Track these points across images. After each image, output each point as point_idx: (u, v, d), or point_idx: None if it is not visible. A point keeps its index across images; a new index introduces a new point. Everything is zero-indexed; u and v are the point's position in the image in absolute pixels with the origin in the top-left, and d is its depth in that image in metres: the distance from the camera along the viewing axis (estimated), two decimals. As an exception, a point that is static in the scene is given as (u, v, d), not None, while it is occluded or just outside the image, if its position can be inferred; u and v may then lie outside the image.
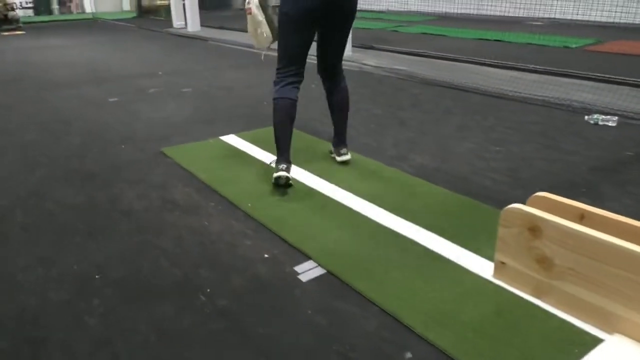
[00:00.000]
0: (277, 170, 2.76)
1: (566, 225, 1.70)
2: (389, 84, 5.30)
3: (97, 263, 2.18)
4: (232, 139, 3.69)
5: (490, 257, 2.10)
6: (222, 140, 3.69)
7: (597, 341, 1.63)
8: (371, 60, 6.49)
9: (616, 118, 3.78)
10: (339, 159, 3.13)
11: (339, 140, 3.14)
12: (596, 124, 3.80)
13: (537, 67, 5.50)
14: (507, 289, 1.91)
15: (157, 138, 3.78)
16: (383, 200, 2.63)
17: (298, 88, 2.82)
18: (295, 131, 2.87)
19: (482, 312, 1.79)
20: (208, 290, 1.98)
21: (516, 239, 1.86)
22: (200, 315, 1.84)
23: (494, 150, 3.36)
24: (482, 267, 2.05)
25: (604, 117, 3.81)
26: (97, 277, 2.09)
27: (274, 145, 2.84)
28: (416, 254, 2.16)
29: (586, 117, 3.89)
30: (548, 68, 5.45)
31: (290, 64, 2.79)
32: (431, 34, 9.14)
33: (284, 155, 2.80)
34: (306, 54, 2.80)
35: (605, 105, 4.15)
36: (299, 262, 2.14)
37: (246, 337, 1.72)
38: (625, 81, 4.83)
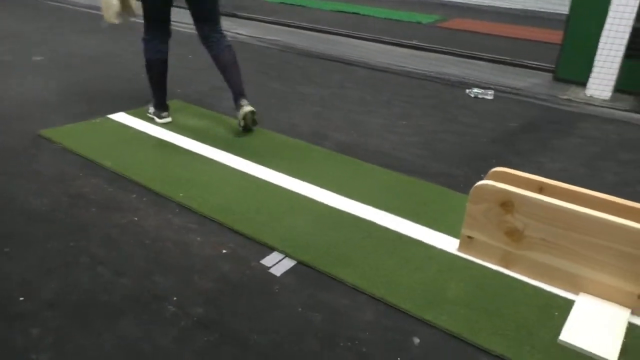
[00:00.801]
0: (161, 117, 3.21)
1: (540, 199, 1.81)
2: (271, 55, 5.14)
3: (17, 281, 1.76)
4: (123, 118, 3.25)
5: (446, 232, 2.18)
6: (112, 119, 3.23)
7: (569, 303, 1.79)
8: (241, 29, 6.22)
9: (492, 92, 4.17)
10: (243, 111, 3.00)
11: (239, 93, 3.05)
12: (476, 97, 4.14)
13: (404, 41, 5.80)
14: (474, 261, 2.00)
15: (24, 118, 3.17)
16: (326, 181, 2.55)
17: (167, 42, 3.04)
18: (196, 109, 3.23)
19: (464, 287, 1.85)
20: (174, 298, 1.73)
21: (485, 214, 1.94)
22: (177, 329, 1.60)
23: (402, 124, 3.47)
24: (443, 242, 2.11)
25: (482, 90, 4.17)
26: (21, 299, 1.69)
27: (174, 123, 3.18)
28: (381, 235, 2.14)
29: (467, 91, 4.22)
30: (419, 43, 5.77)
31: (155, 20, 2.93)
32: (290, 4, 9.07)
33: (164, 104, 3.21)
34: (169, 11, 2.95)
35: (474, 78, 4.54)
36: (263, 255, 1.98)
37: (245, 346, 1.54)
38: (492, 58, 5.33)
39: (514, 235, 1.90)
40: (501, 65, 5.16)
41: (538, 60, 5.19)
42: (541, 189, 1.98)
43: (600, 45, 4.19)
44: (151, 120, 3.23)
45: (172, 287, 1.78)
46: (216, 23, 3.04)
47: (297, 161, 2.77)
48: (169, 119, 3.21)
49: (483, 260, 2.00)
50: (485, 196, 1.92)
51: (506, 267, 1.95)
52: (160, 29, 2.98)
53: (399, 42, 5.82)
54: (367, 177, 2.65)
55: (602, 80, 4.26)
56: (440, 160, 2.93)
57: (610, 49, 4.15)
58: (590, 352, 1.56)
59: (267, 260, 1.95)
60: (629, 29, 4.06)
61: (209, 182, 2.49)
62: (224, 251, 1.99)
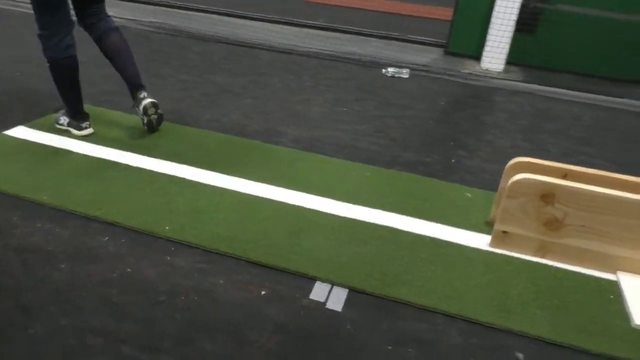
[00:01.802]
0: (81, 128, 2.60)
1: (581, 187, 1.83)
2: (161, 41, 4.53)
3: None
4: (24, 133, 2.57)
5: (463, 227, 2.12)
6: (10, 136, 2.53)
7: (613, 283, 1.86)
8: (109, 10, 5.38)
9: (407, 70, 4.20)
10: (143, 104, 2.57)
11: (134, 85, 2.60)
12: (393, 76, 4.14)
13: (294, 19, 5.57)
14: (510, 255, 1.97)
15: None
16: (312, 187, 2.30)
17: (72, 33, 2.44)
18: (114, 114, 2.78)
19: (521, 286, 1.80)
20: (243, 367, 1.40)
21: (522, 208, 1.91)
22: (273, 407, 1.29)
23: (342, 111, 3.31)
24: (469, 239, 2.05)
25: (397, 69, 4.18)
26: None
27: (97, 134, 2.61)
28: (408, 242, 1.99)
29: (383, 71, 4.20)
30: (311, 22, 5.57)
31: (49, 8, 2.32)
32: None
33: (82, 112, 2.61)
34: None
35: (379, 56, 4.54)
36: (307, 288, 1.71)
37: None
38: (386, 35, 5.36)
39: (553, 224, 1.90)
40: (394, 42, 5.24)
41: (428, 36, 5.37)
42: (565, 175, 2.00)
43: (493, 20, 4.46)
44: (65, 133, 2.60)
45: (228, 354, 1.44)
46: (100, 1, 2.55)
47: (270, 167, 2.46)
48: (90, 130, 2.61)
49: (518, 252, 1.98)
50: (524, 190, 1.88)
51: (543, 256, 1.96)
52: (59, 18, 2.36)
53: (288, 20, 5.57)
54: (350, 175, 2.46)
55: (495, 54, 4.55)
56: (404, 147, 2.86)
57: (502, 24, 4.44)
58: (669, 332, 1.64)
59: (317, 294, 1.68)
60: (518, 5, 4.38)
61: (189, 206, 2.08)
62: (263, 292, 1.67)
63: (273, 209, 2.12)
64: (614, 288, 1.84)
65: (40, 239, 1.82)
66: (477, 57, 4.76)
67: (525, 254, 1.97)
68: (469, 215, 2.22)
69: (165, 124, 2.77)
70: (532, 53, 4.66)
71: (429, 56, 4.84)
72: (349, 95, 3.62)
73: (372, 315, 1.62)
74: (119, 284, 1.65)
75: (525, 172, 1.97)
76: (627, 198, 1.81)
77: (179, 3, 5.84)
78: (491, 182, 2.53)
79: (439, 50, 5.06)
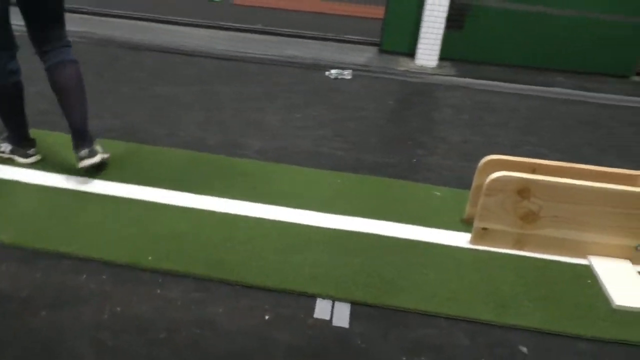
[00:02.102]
0: (27, 155, 2.38)
1: (554, 181, 1.93)
2: (89, 51, 4.20)
3: None
4: (-41, 166, 2.33)
5: (441, 227, 2.18)
6: (-56, 171, 2.28)
7: (587, 268, 1.99)
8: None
9: (349, 71, 4.24)
10: (83, 164, 2.24)
11: (79, 135, 2.26)
12: (336, 78, 4.16)
13: (225, 24, 5.43)
14: (491, 250, 2.05)
15: None
16: (289, 199, 2.26)
17: (15, 56, 2.19)
18: (55, 136, 2.56)
19: (510, 280, 1.88)
20: (267, 399, 1.35)
21: (501, 204, 1.99)
22: None
23: (298, 117, 3.29)
24: (450, 239, 2.11)
25: (340, 71, 4.21)
26: None
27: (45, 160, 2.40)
28: (397, 247, 2.01)
29: (326, 73, 4.21)
30: (246, 26, 5.45)
31: None
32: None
33: (27, 138, 2.40)
34: (7, 10, 2.08)
35: (319, 58, 4.55)
36: (309, 307, 1.68)
37: None
38: (322, 36, 5.35)
39: (529, 217, 2.00)
40: (330, 43, 5.27)
41: (362, 35, 5.44)
42: (534, 169, 2.11)
43: (425, 18, 4.61)
44: (7, 162, 2.38)
45: (249, 384, 1.39)
46: (60, 25, 2.22)
47: (242, 182, 2.39)
48: (37, 157, 2.40)
49: (498, 247, 2.06)
50: (502, 187, 1.96)
51: (521, 249, 2.06)
52: (2, 39, 2.12)
53: (218, 24, 5.42)
54: (323, 184, 2.45)
55: (428, 51, 4.71)
56: (366, 150, 2.89)
57: (434, 22, 4.60)
58: (646, 309, 1.78)
59: (321, 312, 1.66)
60: (447, 2, 4.55)
61: (168, 231, 1.97)
62: (267, 317, 1.62)
63: (254, 226, 2.06)
64: (589, 272, 1.97)
65: (10, 285, 1.66)
66: (411, 54, 4.90)
67: (505, 247, 2.06)
68: (443, 214, 2.28)
69: (121, 144, 2.61)
70: (462, 48, 4.87)
71: (364, 55, 4.92)
72: (300, 100, 3.60)
73: (380, 327, 1.63)
74: (111, 325, 1.54)
75: (497, 169, 2.05)
76: (593, 187, 1.94)
77: (102, 10, 5.52)
78: (453, 179, 2.62)
79: (374, 49, 5.15)
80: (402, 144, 3.02)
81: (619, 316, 1.74)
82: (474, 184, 2.17)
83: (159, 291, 1.69)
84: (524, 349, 1.59)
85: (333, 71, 4.20)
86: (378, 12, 5.35)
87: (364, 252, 1.97)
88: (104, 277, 1.73)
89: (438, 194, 2.46)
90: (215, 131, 2.96)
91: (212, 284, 1.74)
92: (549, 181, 1.94)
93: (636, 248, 2.01)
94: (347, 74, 4.20)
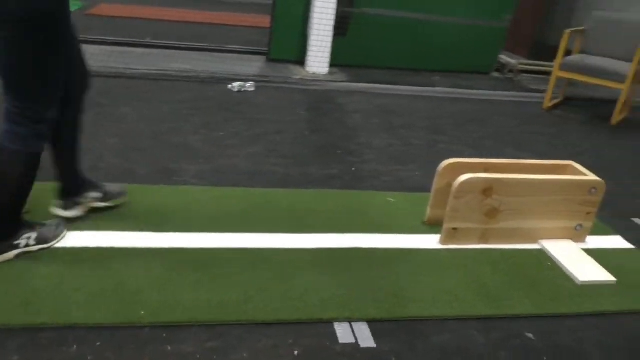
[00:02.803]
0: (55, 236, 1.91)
1: (511, 178, 2.13)
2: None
3: None
4: None
5: (408, 232, 2.27)
6: None
7: (541, 252, 2.23)
8: None
9: (252, 83, 4.16)
10: (99, 204, 2.10)
11: (82, 182, 2.08)
12: (239, 91, 4.05)
13: (104, 38, 4.96)
14: (459, 248, 2.19)
15: None
16: (253, 225, 2.17)
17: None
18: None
19: (488, 272, 2.03)
20: None
21: (468, 204, 2.13)
22: None
23: (222, 136, 3.14)
24: (422, 242, 2.21)
25: (242, 83, 4.10)
26: None
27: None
28: (382, 258, 2.05)
29: (229, 86, 4.07)
30: (150, 41, 5.01)
31: (55, 92, 1.71)
32: None
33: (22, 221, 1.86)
34: None
35: (214, 71, 4.40)
36: (330, 333, 1.65)
37: None
38: (211, 47, 5.13)
39: (492, 213, 2.18)
40: (217, 54, 5.11)
41: (248, 44, 5.37)
42: (486, 169, 2.29)
43: (314, 26, 4.71)
44: None
45: None
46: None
47: (198, 212, 2.22)
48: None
49: (466, 244, 2.21)
50: (469, 189, 2.11)
51: (486, 242, 2.23)
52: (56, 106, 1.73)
53: (98, 39, 4.93)
54: (283, 204, 2.38)
55: (319, 58, 4.83)
56: (304, 164, 2.87)
57: (323, 30, 4.72)
58: (604, 281, 2.05)
59: (344, 337, 1.63)
60: (333, 11, 4.69)
61: (148, 279, 1.76)
62: (296, 352, 1.55)
63: (237, 258, 1.94)
64: (545, 255, 2.21)
65: (-15, 376, 1.36)
66: (300, 62, 4.98)
67: (472, 243, 2.22)
68: (404, 219, 2.37)
69: (36, 185, 2.26)
70: (348, 54, 5.08)
71: (255, 65, 4.87)
72: (213, 117, 3.44)
73: (404, 341, 1.65)
74: (133, 398, 1.34)
75: (455, 171, 2.21)
76: (540, 180, 2.18)
77: None
78: (396, 183, 2.74)
79: (262, 59, 5.12)
80: (334, 153, 3.07)
81: (587, 291, 1.99)
82: (435, 187, 2.30)
83: (169, 348, 1.51)
84: (530, 335, 1.74)
85: (235, 84, 4.09)
86: (264, 21, 5.33)
87: (356, 267, 1.97)
88: (98, 344, 1.49)
89: (392, 200, 2.55)
90: (138, 159, 2.70)
91: (222, 328, 1.61)
92: (507, 179, 2.13)
93: (575, 228, 2.31)
94: (249, 86, 4.13)
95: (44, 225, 1.90)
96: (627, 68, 4.07)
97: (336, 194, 2.55)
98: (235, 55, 5.12)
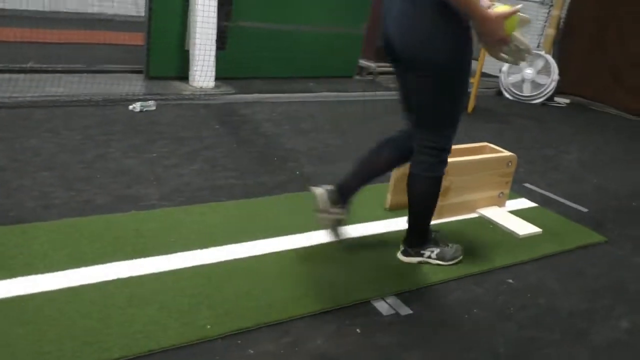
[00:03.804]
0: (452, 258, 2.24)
1: (460, 160, 2.58)
2: None
3: None
4: None
5: (377, 218, 2.59)
6: None
7: (481, 218, 2.72)
8: None
9: (153, 102, 4.04)
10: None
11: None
12: (141, 111, 3.92)
13: None
14: (424, 225, 2.57)
15: None
16: (243, 235, 2.28)
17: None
18: None
19: (460, 241, 2.43)
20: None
21: (428, 187, 2.52)
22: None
23: (155, 157, 3.07)
24: (395, 225, 2.54)
25: (144, 103, 3.97)
26: None
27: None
28: (365, 245, 2.34)
29: (130, 107, 3.91)
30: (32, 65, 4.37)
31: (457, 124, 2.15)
32: None
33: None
34: None
35: (103, 93, 4.17)
36: (372, 311, 1.87)
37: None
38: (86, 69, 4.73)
39: (445, 192, 2.60)
40: (95, 75, 4.79)
41: (119, 63, 5.12)
42: (431, 156, 2.70)
43: (197, 42, 4.74)
44: None
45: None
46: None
47: (171, 233, 2.24)
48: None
49: (427, 221, 2.60)
50: (429, 173, 2.49)
51: (440, 217, 2.64)
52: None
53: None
54: (255, 214, 2.51)
55: (205, 72, 4.86)
56: (254, 174, 2.99)
57: (206, 44, 4.77)
58: (535, 232, 2.60)
59: (385, 310, 1.88)
60: (214, 26, 4.78)
61: (117, 311, 1.78)
62: (358, 330, 1.75)
63: (272, 261, 2.06)
64: (484, 220, 2.71)
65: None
66: (183, 77, 4.96)
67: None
68: (368, 209, 2.67)
69: None
70: (229, 67, 5.19)
71: (138, 84, 4.71)
72: (134, 139, 3.33)
73: (430, 303, 1.96)
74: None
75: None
76: (477, 159, 2.69)
77: None
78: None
79: (140, 77, 4.96)
80: (272, 161, 3.23)
81: (527, 242, 2.53)
82: (394, 176, 2.64)
83: (251, 351, 1.60)
84: (510, 280, 2.19)
85: (137, 104, 3.95)
86: (135, 38, 5.14)
87: (352, 257, 2.23)
88: (187, 364, 1.52)
89: (348, 194, 2.83)
90: (92, 189, 2.57)
91: (285, 325, 1.74)
92: (458, 161, 2.58)
93: (498, 196, 2.86)
94: (151, 105, 4.02)
95: (446, 245, 2.22)
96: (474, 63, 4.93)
97: (298, 197, 2.73)
98: (113, 75, 4.87)
